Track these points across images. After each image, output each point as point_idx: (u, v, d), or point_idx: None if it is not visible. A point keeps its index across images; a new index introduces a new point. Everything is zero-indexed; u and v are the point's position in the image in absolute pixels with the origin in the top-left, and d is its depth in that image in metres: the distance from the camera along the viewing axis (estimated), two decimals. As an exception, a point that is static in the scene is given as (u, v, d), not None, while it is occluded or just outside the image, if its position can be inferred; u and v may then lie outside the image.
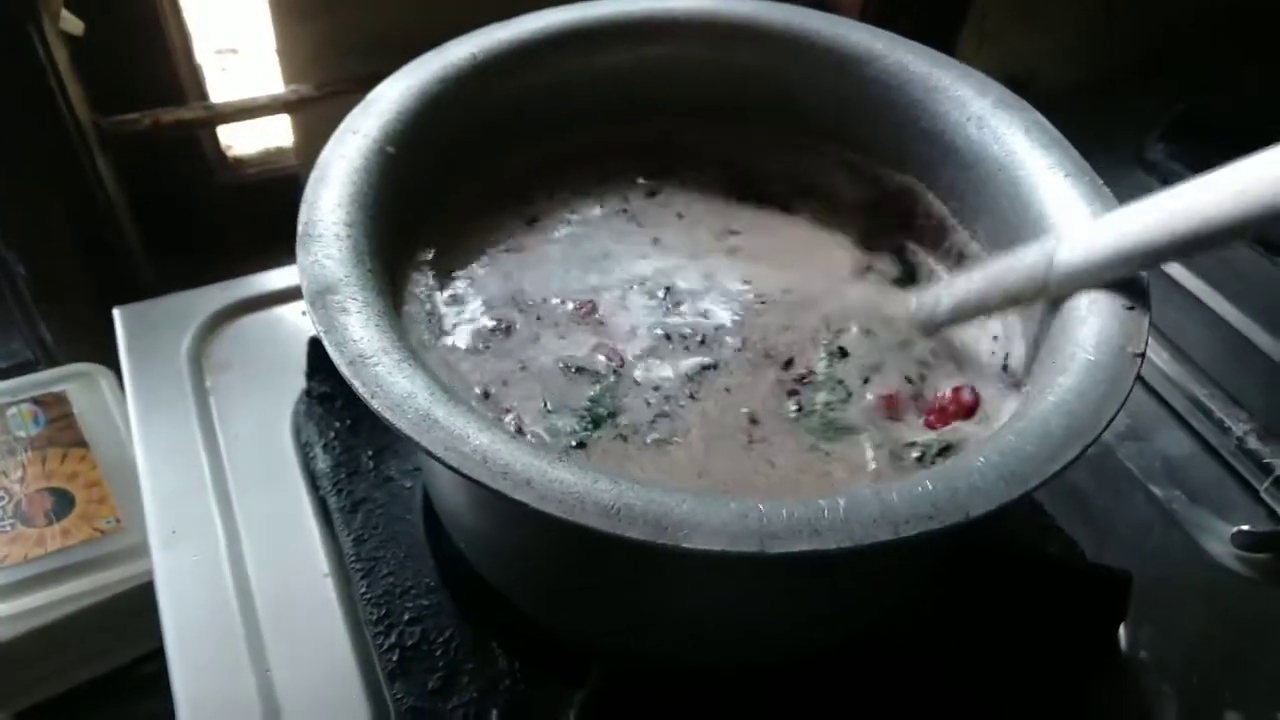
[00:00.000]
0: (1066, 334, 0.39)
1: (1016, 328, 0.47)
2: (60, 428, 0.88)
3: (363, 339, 0.36)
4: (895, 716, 0.47)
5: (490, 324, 0.48)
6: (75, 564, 0.80)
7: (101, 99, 0.87)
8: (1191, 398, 0.63)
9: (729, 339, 0.48)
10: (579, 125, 0.55)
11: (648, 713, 0.45)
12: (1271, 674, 0.52)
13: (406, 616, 0.49)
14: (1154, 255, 0.39)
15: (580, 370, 0.46)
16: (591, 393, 0.45)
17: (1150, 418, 0.64)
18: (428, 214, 0.49)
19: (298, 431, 0.59)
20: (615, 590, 0.42)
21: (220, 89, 0.99)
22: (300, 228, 0.40)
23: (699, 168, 0.57)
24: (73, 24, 0.80)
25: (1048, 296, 0.42)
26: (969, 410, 0.45)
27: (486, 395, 0.44)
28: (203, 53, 0.95)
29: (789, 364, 0.48)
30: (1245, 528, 0.57)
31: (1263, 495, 0.59)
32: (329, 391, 0.58)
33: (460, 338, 0.47)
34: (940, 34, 0.98)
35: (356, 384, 0.34)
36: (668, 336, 0.48)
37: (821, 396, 0.46)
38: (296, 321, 0.66)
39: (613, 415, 0.44)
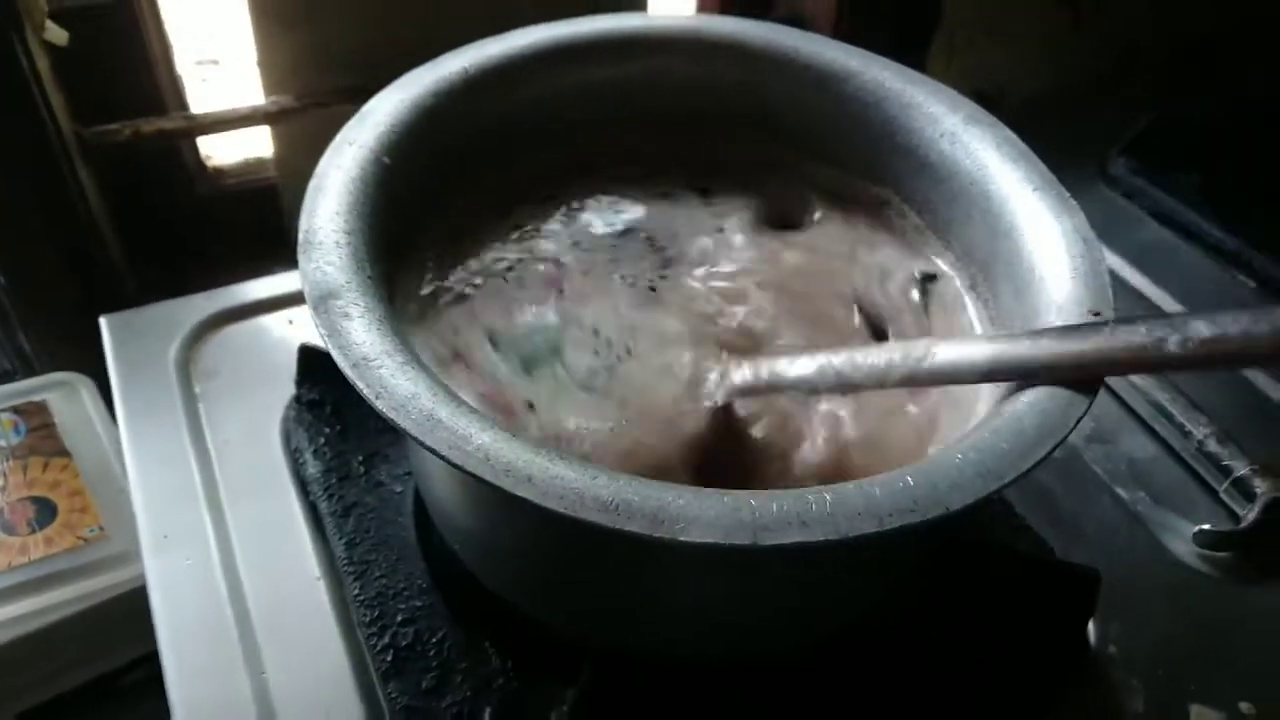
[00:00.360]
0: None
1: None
2: (41, 437, 0.88)
3: (365, 343, 0.37)
4: (879, 709, 0.48)
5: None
6: (59, 572, 0.79)
7: (83, 109, 0.87)
8: (1154, 403, 0.64)
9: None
10: (568, 137, 0.56)
11: (639, 708, 0.46)
12: (1234, 667, 0.53)
13: (399, 618, 0.49)
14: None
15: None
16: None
17: (1115, 422, 0.65)
18: (424, 223, 0.50)
19: (287, 438, 0.59)
20: (609, 585, 0.43)
21: (201, 100, 0.99)
22: (300, 235, 0.41)
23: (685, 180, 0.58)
24: (57, 34, 0.80)
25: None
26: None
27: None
28: (184, 64, 0.96)
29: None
30: (1206, 527, 0.58)
31: (1222, 496, 0.60)
32: (318, 398, 0.59)
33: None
34: (911, 51, 1.00)
35: (361, 386, 0.35)
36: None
37: None
38: (282, 330, 0.67)
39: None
